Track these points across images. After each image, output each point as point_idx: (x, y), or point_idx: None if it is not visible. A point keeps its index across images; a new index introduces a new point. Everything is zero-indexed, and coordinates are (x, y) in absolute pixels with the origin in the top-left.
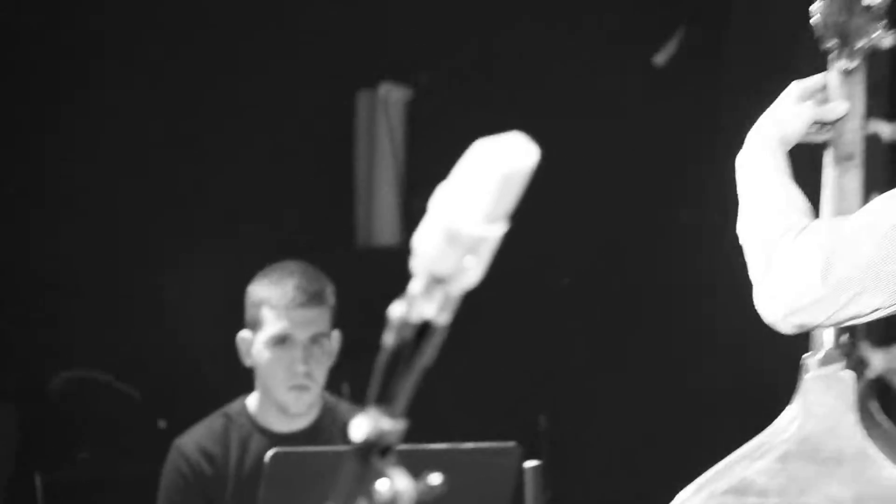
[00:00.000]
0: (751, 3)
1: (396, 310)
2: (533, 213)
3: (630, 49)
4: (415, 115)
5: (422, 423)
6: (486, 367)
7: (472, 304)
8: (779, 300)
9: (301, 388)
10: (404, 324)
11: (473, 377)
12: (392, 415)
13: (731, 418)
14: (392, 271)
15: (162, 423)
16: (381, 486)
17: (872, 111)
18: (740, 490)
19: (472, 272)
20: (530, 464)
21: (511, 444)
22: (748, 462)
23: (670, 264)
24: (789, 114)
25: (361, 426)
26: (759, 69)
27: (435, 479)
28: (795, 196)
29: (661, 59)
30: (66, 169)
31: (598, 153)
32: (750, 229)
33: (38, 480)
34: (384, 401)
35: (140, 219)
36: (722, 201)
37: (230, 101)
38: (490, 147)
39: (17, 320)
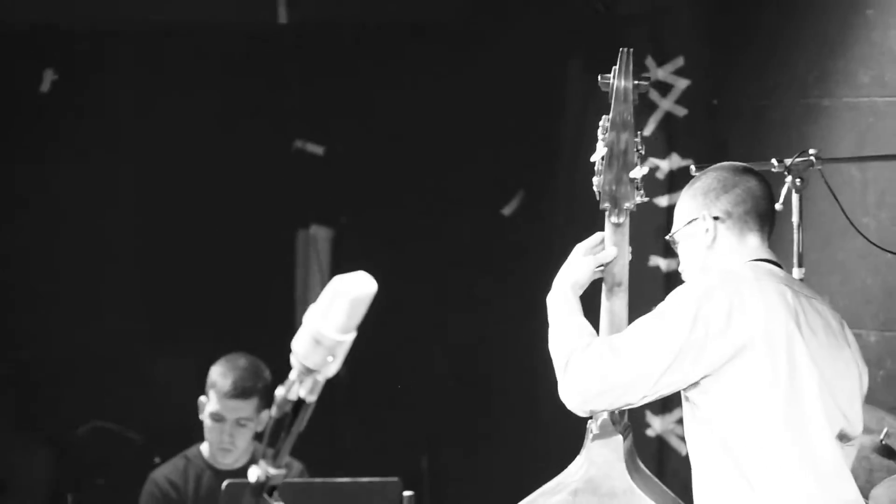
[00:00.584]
0: None
1: (280, 391)
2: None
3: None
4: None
5: (327, 464)
6: (373, 417)
7: (359, 367)
8: (574, 394)
9: (225, 451)
10: (285, 401)
11: (364, 426)
12: (276, 464)
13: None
14: None
15: (157, 460)
16: None
17: (652, 250)
18: None
19: (332, 366)
20: (407, 493)
21: (394, 478)
22: (549, 496)
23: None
24: (577, 265)
25: (254, 472)
26: None
27: None
28: (582, 324)
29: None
30: None
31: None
32: (553, 347)
33: (70, 499)
34: (271, 454)
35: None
36: None
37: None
38: (344, 280)
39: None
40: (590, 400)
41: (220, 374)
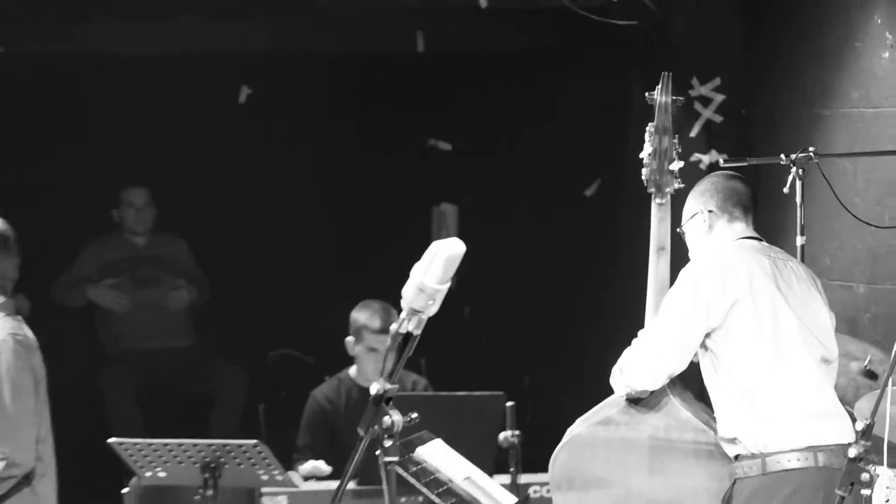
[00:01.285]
0: None
1: (394, 326)
2: None
3: None
4: (462, 222)
5: (448, 382)
6: (488, 345)
7: (478, 307)
8: (638, 385)
9: (377, 373)
10: (398, 334)
11: (480, 353)
12: (391, 381)
13: None
14: None
15: (326, 378)
16: (386, 418)
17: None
18: (604, 422)
19: (432, 308)
20: (509, 403)
21: (499, 392)
22: (609, 406)
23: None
24: None
25: (375, 387)
26: None
27: (414, 413)
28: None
29: (588, 192)
30: None
31: None
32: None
33: (260, 409)
34: (388, 374)
35: None
36: None
37: None
38: (441, 243)
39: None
40: (649, 383)
41: (367, 318)
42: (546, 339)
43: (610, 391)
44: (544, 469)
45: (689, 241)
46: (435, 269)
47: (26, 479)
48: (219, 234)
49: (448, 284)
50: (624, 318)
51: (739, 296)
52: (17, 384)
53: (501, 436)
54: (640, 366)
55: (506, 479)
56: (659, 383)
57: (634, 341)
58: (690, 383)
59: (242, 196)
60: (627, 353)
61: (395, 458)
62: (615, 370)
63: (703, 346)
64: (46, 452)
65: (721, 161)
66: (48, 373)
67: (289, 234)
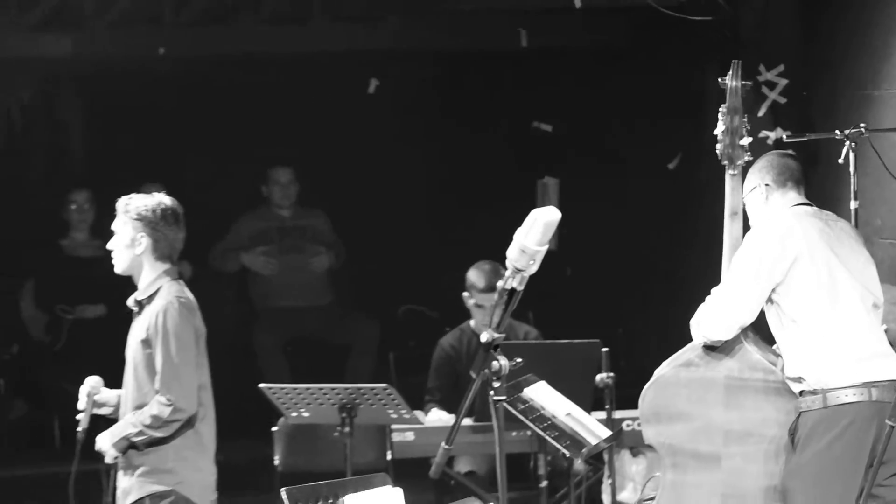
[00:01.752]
0: None
1: (499, 283)
2: None
3: None
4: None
5: (554, 333)
6: (586, 298)
7: (578, 266)
8: (713, 336)
9: (486, 326)
10: (503, 290)
11: (580, 306)
12: (499, 331)
13: None
14: None
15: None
16: (494, 363)
17: None
18: (685, 364)
19: (533, 267)
20: (605, 350)
21: (595, 340)
22: (691, 350)
23: None
24: None
25: (485, 335)
26: None
27: (518, 358)
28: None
29: (671, 165)
30: None
31: None
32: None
33: (391, 357)
34: (496, 325)
35: None
36: None
37: None
38: (539, 210)
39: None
40: (723, 333)
41: (476, 277)
42: (636, 293)
43: (690, 338)
44: (635, 406)
45: (750, 210)
46: (535, 233)
47: (189, 422)
48: (353, 207)
49: (546, 246)
50: (703, 275)
51: (798, 254)
52: (181, 339)
53: (598, 378)
54: (714, 319)
55: (602, 415)
56: (731, 333)
57: (708, 298)
58: (759, 329)
59: (372, 173)
60: (703, 308)
61: (503, 397)
62: (693, 323)
63: (770, 300)
64: (206, 398)
65: (784, 137)
66: (207, 329)
67: (413, 205)
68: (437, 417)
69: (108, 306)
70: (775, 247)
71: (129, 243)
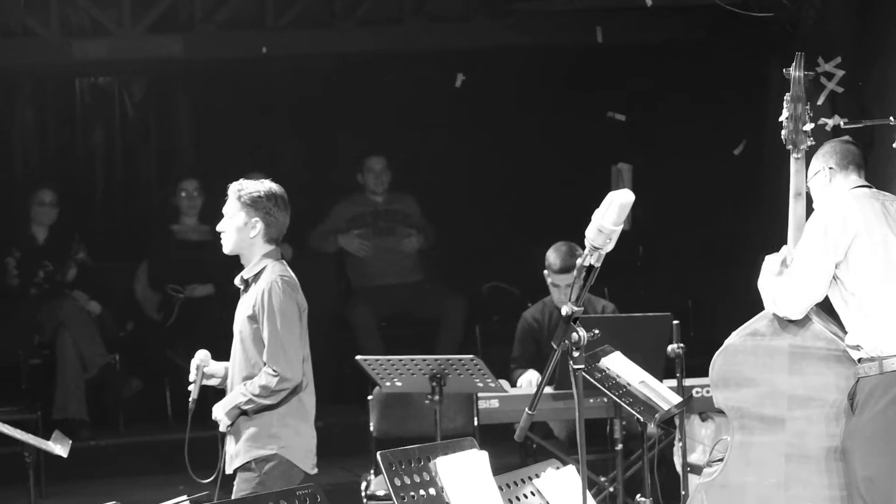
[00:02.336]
0: None
1: (579, 261)
2: None
3: None
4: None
5: (627, 306)
6: (657, 276)
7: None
8: (789, 313)
9: (562, 303)
10: (582, 267)
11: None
12: (577, 304)
13: None
14: None
15: (529, 304)
16: (574, 334)
17: None
18: (752, 333)
19: (609, 245)
20: (675, 322)
21: (667, 313)
22: (758, 321)
23: None
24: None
25: (565, 309)
26: None
27: (596, 330)
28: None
29: (737, 151)
30: None
31: None
32: (763, 290)
33: (477, 330)
34: (575, 299)
35: None
36: None
37: None
38: (616, 193)
39: None
40: (798, 311)
41: (553, 258)
42: (705, 269)
43: (754, 311)
44: (704, 374)
45: (814, 193)
46: (611, 213)
47: (294, 391)
48: (441, 192)
49: (621, 226)
50: (769, 252)
51: (857, 231)
52: (286, 315)
53: (669, 348)
54: (789, 298)
55: (673, 382)
56: (805, 311)
57: (779, 278)
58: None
59: (459, 160)
60: (777, 287)
61: (582, 366)
62: (769, 301)
63: (833, 276)
64: (308, 369)
65: (842, 123)
66: (308, 306)
67: (496, 190)
68: (530, 380)
69: (215, 286)
70: (837, 226)
71: (241, 226)
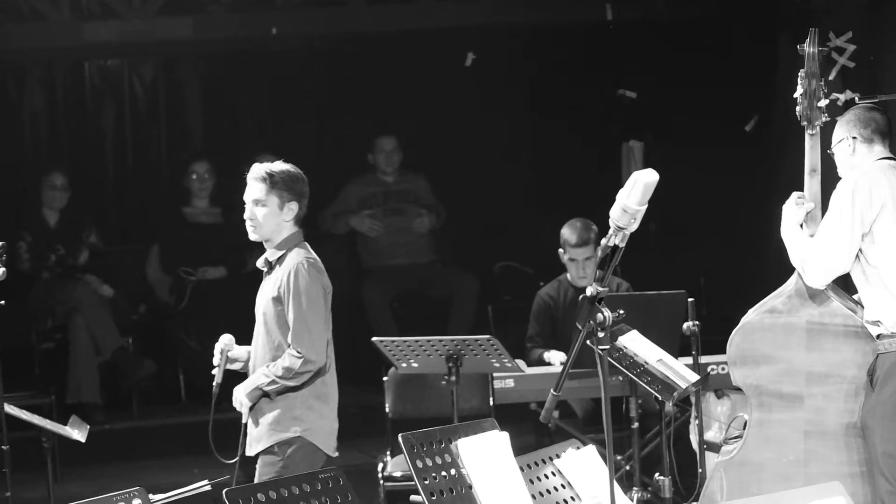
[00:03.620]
0: None
1: (603, 241)
2: None
3: None
4: (646, 155)
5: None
6: (671, 255)
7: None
8: (815, 282)
9: (581, 279)
10: (606, 246)
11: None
12: (602, 285)
13: None
14: None
15: (541, 284)
16: (599, 315)
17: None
18: (770, 311)
19: (633, 225)
20: (690, 300)
21: (681, 291)
22: (775, 298)
23: None
24: (792, 211)
25: (590, 289)
26: None
27: (621, 310)
28: (807, 240)
29: (748, 127)
30: None
31: None
32: (792, 255)
33: (489, 310)
34: (599, 279)
35: None
36: None
37: None
38: (640, 173)
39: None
40: (823, 280)
41: (569, 234)
42: (717, 247)
43: (766, 287)
44: (718, 351)
45: (838, 160)
46: (635, 193)
47: (318, 373)
48: (452, 172)
49: (645, 206)
50: (777, 229)
51: (884, 204)
52: (311, 297)
53: (684, 326)
54: (815, 269)
55: (688, 360)
56: (829, 280)
57: (806, 245)
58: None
59: (469, 140)
60: (805, 255)
61: (607, 346)
62: (797, 263)
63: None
64: (330, 352)
65: (856, 98)
66: None
67: (506, 169)
68: (560, 358)
69: (227, 268)
70: (864, 197)
71: (277, 210)
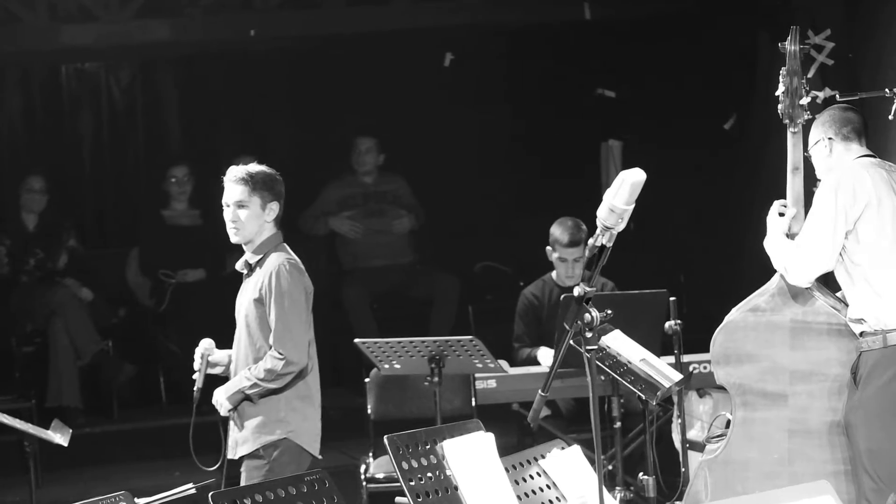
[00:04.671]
0: None
1: (591, 241)
2: None
3: None
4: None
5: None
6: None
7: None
8: (798, 281)
9: (570, 278)
10: (594, 246)
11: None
12: (590, 285)
13: None
14: None
15: (522, 284)
16: (587, 315)
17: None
18: (753, 309)
19: (621, 225)
20: (672, 299)
21: (662, 290)
22: (758, 296)
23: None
24: (776, 220)
25: (577, 289)
26: None
27: (608, 310)
28: (790, 245)
29: (727, 125)
30: None
31: None
32: (774, 257)
33: (470, 310)
34: (587, 279)
35: None
36: None
37: None
38: (627, 172)
39: None
40: (807, 279)
41: (559, 233)
42: (696, 244)
43: (746, 286)
44: (701, 350)
45: (815, 162)
46: (623, 192)
47: (301, 374)
48: (431, 172)
49: (633, 206)
50: (760, 227)
51: (868, 202)
52: (293, 298)
53: (666, 325)
54: (799, 268)
55: (671, 359)
56: (812, 279)
57: (788, 245)
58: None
59: (448, 141)
60: (788, 255)
61: (595, 347)
62: (780, 267)
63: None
64: (313, 352)
65: (837, 96)
66: None
67: (485, 170)
68: (549, 353)
69: (206, 270)
70: (848, 196)
71: (259, 212)
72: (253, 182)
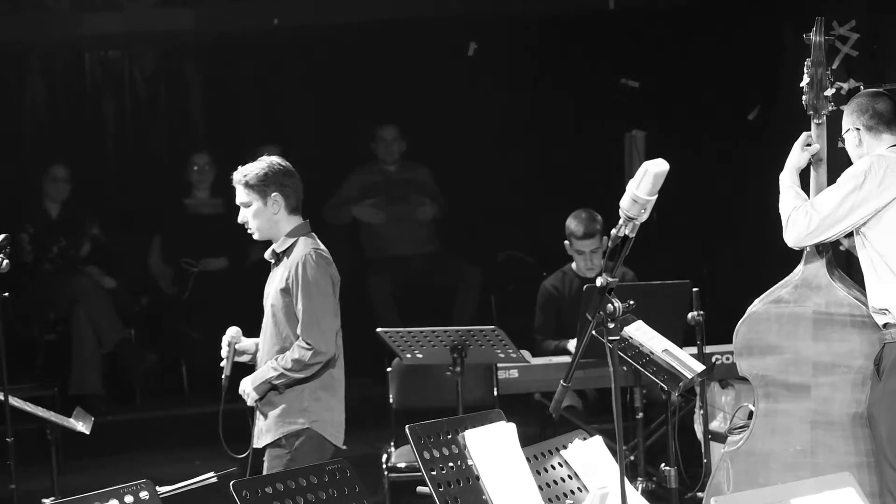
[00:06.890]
0: None
1: (614, 231)
2: None
3: None
4: (649, 144)
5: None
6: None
7: (665, 213)
8: (792, 236)
9: (589, 269)
10: (616, 237)
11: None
12: (612, 275)
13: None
14: None
15: (545, 274)
16: (609, 305)
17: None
18: (776, 301)
19: (644, 215)
20: (695, 289)
21: (686, 280)
22: (781, 288)
23: None
24: (797, 155)
25: (599, 280)
26: None
27: (631, 300)
28: (799, 192)
29: (751, 116)
30: None
31: None
32: (781, 206)
33: (492, 299)
34: (609, 269)
35: None
36: None
37: None
38: (650, 162)
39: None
40: (801, 239)
41: (574, 226)
42: (719, 236)
43: (769, 277)
44: (723, 341)
45: (848, 148)
46: (646, 183)
47: (328, 364)
48: (454, 161)
49: (656, 196)
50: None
51: (894, 194)
52: (321, 288)
53: (689, 315)
54: (798, 228)
55: (693, 350)
56: (803, 245)
57: (806, 206)
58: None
59: (471, 129)
60: (795, 210)
61: (617, 338)
62: (784, 216)
63: (862, 234)
64: (340, 343)
65: (861, 87)
66: None
67: (509, 159)
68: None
69: (229, 259)
70: (874, 185)
71: (262, 209)
72: (246, 182)
